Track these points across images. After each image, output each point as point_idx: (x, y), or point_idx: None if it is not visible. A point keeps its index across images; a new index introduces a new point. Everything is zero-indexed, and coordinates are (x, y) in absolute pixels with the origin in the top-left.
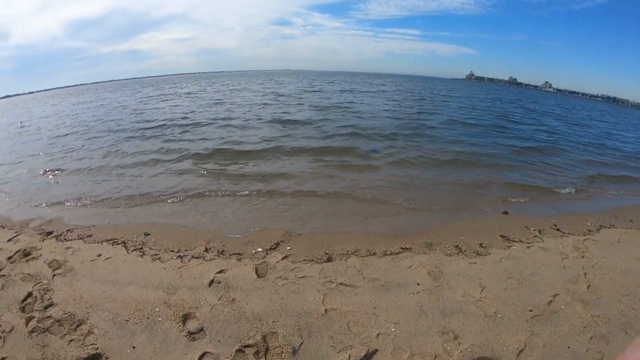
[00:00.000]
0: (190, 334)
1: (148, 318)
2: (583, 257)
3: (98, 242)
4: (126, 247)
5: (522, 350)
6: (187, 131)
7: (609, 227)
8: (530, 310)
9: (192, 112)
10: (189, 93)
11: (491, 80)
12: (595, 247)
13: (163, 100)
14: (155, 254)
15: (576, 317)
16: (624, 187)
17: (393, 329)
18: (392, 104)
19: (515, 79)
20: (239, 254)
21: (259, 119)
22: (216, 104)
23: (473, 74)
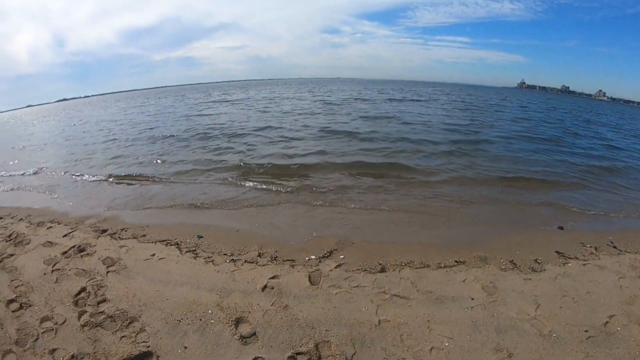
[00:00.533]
0: (243, 337)
1: (200, 320)
2: None
3: (152, 242)
4: (179, 248)
5: None
6: (235, 141)
7: None
8: (586, 331)
9: (242, 120)
10: (239, 100)
11: (543, 88)
12: None
13: (210, 108)
14: (209, 257)
15: (632, 341)
16: None
17: (447, 344)
18: (445, 115)
19: (568, 87)
20: (292, 260)
21: (307, 127)
22: (264, 112)
23: (524, 82)
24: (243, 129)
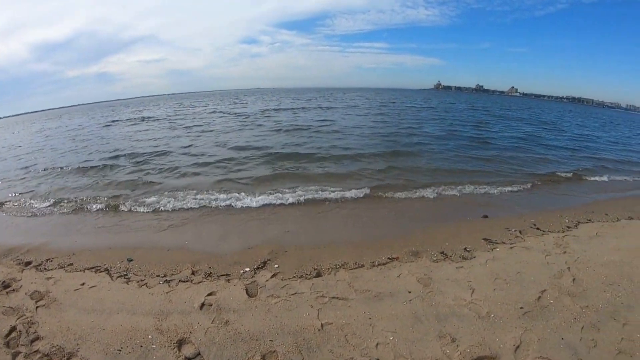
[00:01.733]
0: (188, 359)
1: (141, 346)
2: (565, 252)
3: (80, 271)
4: (110, 274)
5: (518, 346)
6: (147, 161)
7: (587, 222)
8: (522, 308)
9: (155, 139)
10: (149, 117)
11: (458, 88)
12: (576, 242)
13: (118, 126)
14: (141, 280)
15: (566, 310)
16: (593, 185)
17: (391, 338)
18: (368, 119)
19: (482, 86)
20: (227, 275)
21: (219, 145)
22: (179, 128)
23: (440, 84)
24: (162, 151)
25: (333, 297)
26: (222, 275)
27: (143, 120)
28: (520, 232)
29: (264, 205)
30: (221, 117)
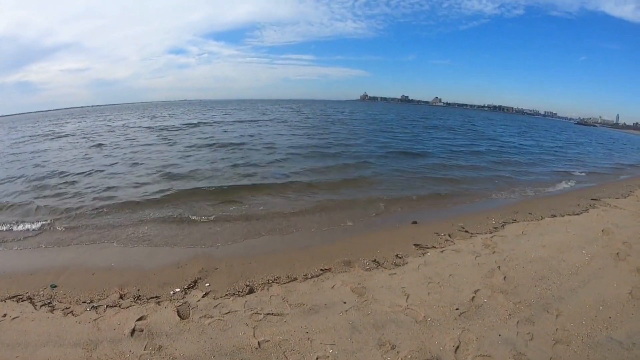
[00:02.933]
0: None
1: None
2: (494, 252)
3: (1, 300)
4: (33, 303)
5: (458, 347)
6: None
7: (512, 222)
8: (457, 309)
9: (64, 161)
10: (60, 133)
11: (384, 99)
12: (503, 241)
13: (32, 143)
14: (67, 308)
15: (500, 307)
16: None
17: (331, 351)
18: (293, 131)
19: (407, 97)
20: (156, 297)
21: (135, 164)
22: (95, 146)
23: (367, 95)
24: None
25: (268, 314)
26: (151, 298)
27: (54, 137)
28: (449, 235)
29: (191, 222)
30: (139, 132)
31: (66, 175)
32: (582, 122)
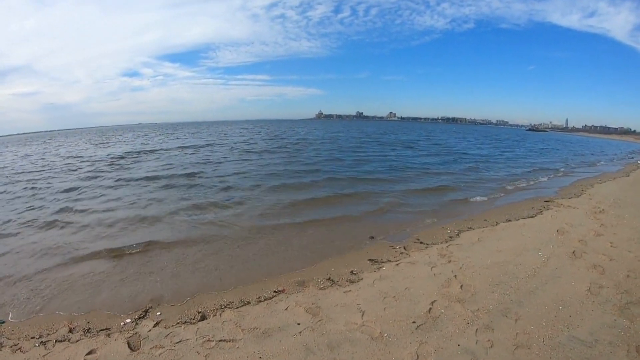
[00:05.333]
0: None
1: None
2: (450, 261)
3: None
4: None
5: None
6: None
7: (468, 230)
8: (414, 322)
9: None
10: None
11: (339, 116)
12: (459, 250)
13: None
14: (15, 344)
15: (458, 317)
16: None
17: None
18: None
19: (362, 113)
20: (107, 329)
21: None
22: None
23: (322, 113)
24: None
25: (220, 340)
26: (101, 330)
27: None
28: (404, 248)
29: (138, 252)
30: (80, 162)
31: None
32: (533, 128)
